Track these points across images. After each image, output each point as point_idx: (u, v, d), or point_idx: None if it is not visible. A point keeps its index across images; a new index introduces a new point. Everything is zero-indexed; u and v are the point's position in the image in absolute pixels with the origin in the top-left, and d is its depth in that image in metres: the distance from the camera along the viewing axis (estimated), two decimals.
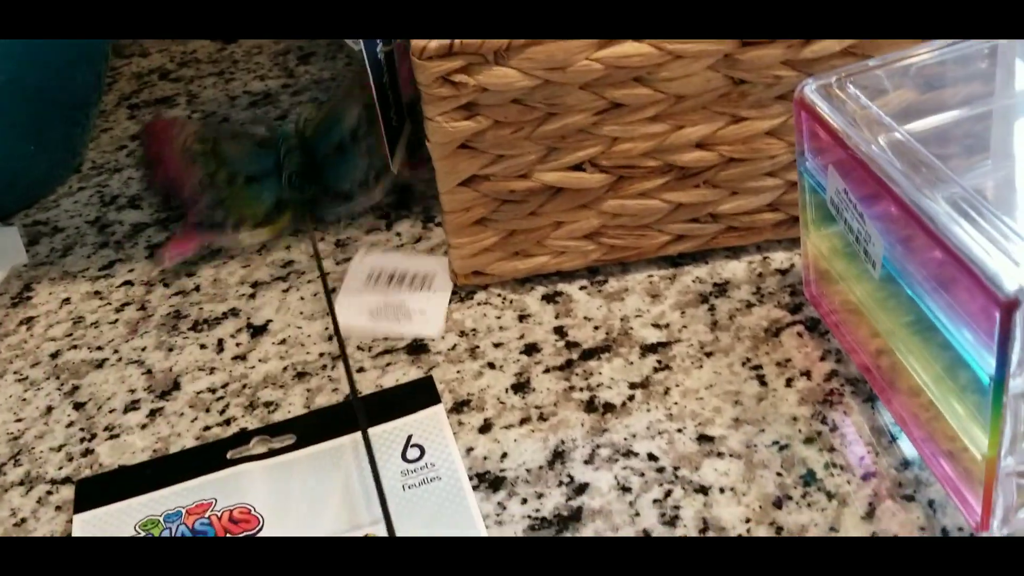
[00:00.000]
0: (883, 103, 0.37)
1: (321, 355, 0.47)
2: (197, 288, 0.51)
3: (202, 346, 0.48)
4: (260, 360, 0.47)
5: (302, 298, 0.50)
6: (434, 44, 0.38)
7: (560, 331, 0.46)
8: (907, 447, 0.39)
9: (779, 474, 0.39)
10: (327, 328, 0.48)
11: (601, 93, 0.41)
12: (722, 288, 0.47)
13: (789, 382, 0.42)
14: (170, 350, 0.48)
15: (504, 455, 0.41)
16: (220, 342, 0.48)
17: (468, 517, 0.38)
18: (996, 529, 0.32)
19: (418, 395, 0.44)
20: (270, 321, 0.49)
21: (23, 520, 0.41)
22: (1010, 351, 0.26)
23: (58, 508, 0.41)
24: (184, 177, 0.53)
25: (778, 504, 0.38)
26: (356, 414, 0.42)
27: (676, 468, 0.40)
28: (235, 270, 0.52)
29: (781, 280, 0.47)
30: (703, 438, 0.41)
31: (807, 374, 0.43)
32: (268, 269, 0.52)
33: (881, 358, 0.40)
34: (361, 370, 0.46)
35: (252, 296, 0.51)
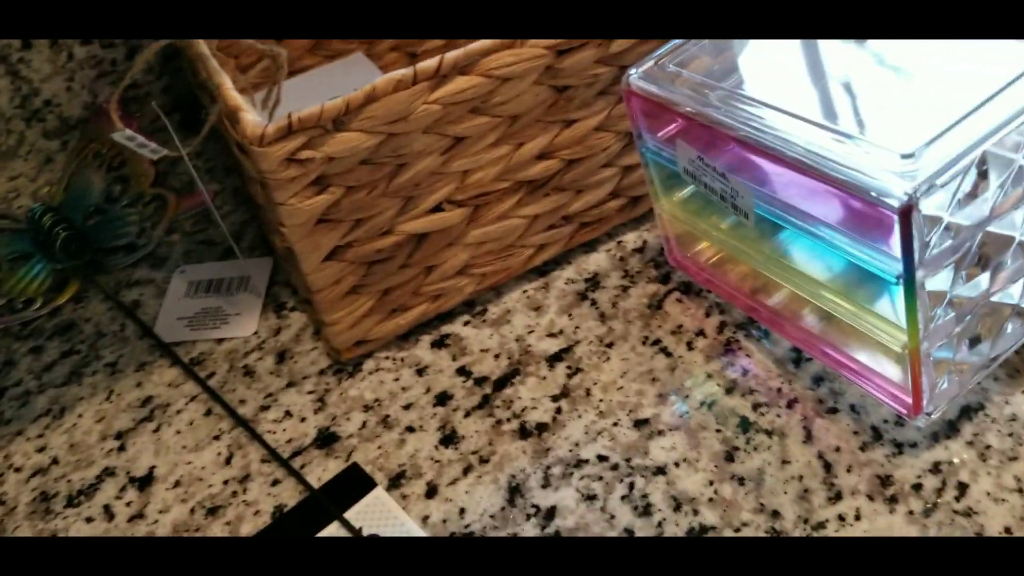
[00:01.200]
0: (693, 70, 0.40)
1: (226, 483, 0.43)
2: (55, 461, 0.45)
3: (88, 519, 0.42)
4: (161, 511, 0.42)
5: (178, 431, 0.46)
6: (271, 128, 0.37)
7: (463, 371, 0.46)
8: (812, 367, 0.43)
9: (718, 431, 0.41)
10: (219, 453, 0.44)
11: (443, 132, 0.41)
12: (594, 281, 0.49)
13: (689, 345, 0.45)
14: (55, 536, 0.42)
15: (462, 511, 0.40)
16: (107, 508, 0.43)
17: None
18: (926, 407, 0.36)
19: (350, 486, 0.42)
20: (154, 467, 0.44)
21: None
22: (913, 250, 0.30)
23: None
24: None
25: (730, 458, 0.40)
26: (316, 511, 0.39)
27: (628, 460, 0.41)
28: (90, 427, 0.47)
29: (641, 257, 0.50)
30: (639, 423, 0.42)
31: (701, 332, 0.45)
32: (128, 414, 0.47)
33: (760, 294, 0.44)
34: (276, 482, 0.43)
35: (122, 448, 0.45)
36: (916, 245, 0.30)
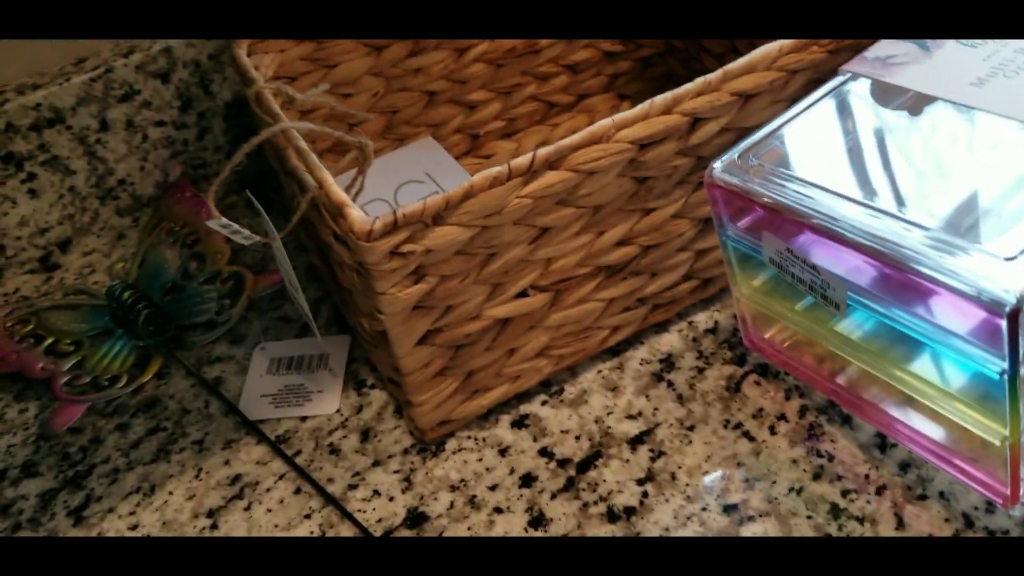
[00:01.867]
0: (773, 163, 0.42)
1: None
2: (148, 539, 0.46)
3: None
4: None
5: (269, 510, 0.47)
6: (379, 224, 0.38)
7: (545, 452, 0.47)
8: (898, 453, 0.43)
9: (808, 517, 0.42)
10: (312, 532, 0.45)
11: (532, 223, 0.43)
12: (668, 362, 0.50)
13: (772, 429, 0.46)
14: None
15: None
16: None
17: None
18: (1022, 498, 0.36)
19: None
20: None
21: None
22: (1019, 349, 0.31)
23: None
24: (24, 358, 0.55)
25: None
26: None
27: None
28: (181, 504, 0.48)
29: (715, 338, 0.51)
30: (728, 508, 0.43)
31: (783, 416, 0.46)
32: (218, 491, 0.48)
33: (840, 377, 0.44)
34: None
35: (214, 527, 0.46)
36: (1022, 343, 0.31)
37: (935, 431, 0.40)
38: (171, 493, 0.48)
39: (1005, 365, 0.32)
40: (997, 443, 0.35)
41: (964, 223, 0.34)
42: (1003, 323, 0.30)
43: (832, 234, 0.37)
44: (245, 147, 0.44)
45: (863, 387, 0.43)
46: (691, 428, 0.46)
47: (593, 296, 0.48)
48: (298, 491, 0.47)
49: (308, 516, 0.46)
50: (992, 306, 0.30)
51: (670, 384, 0.49)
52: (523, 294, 0.45)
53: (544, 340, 0.48)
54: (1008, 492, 0.36)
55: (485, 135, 0.65)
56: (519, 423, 0.49)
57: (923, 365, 0.38)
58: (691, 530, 0.42)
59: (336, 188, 0.41)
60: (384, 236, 0.39)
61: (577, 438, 0.47)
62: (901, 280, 0.34)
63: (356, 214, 0.39)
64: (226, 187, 0.68)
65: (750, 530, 0.41)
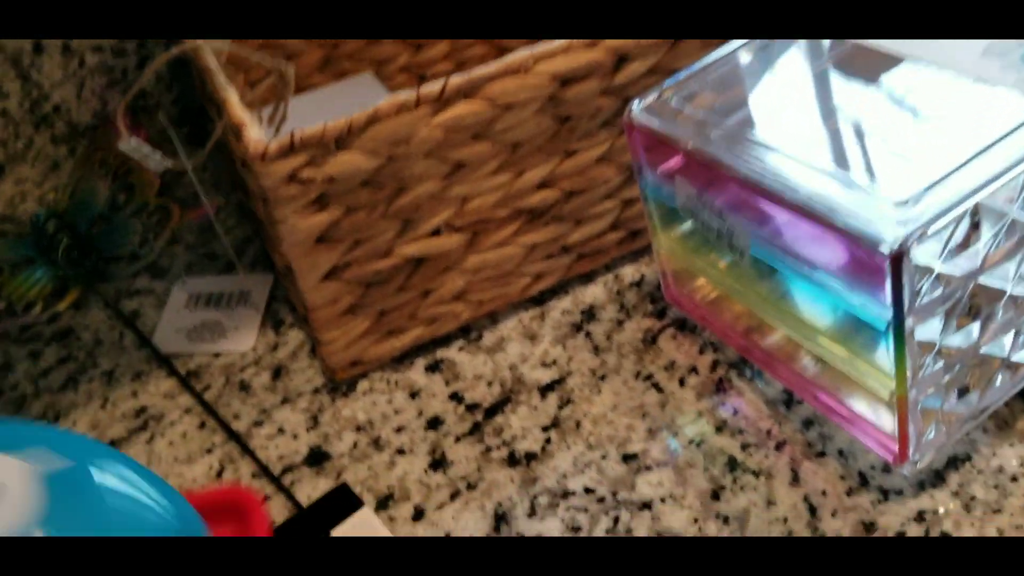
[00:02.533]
0: (697, 106, 0.41)
1: None
2: None
3: None
4: None
5: (171, 443, 0.46)
6: (274, 145, 0.37)
7: (456, 397, 0.46)
8: (803, 410, 0.43)
9: (706, 469, 0.41)
10: (211, 467, 0.45)
11: (445, 156, 0.41)
12: (590, 313, 0.49)
13: (682, 382, 0.45)
14: None
15: (447, 536, 0.40)
16: None
17: None
18: (913, 456, 0.36)
19: (338, 505, 0.42)
20: None
21: None
22: (903, 298, 0.30)
23: None
24: None
25: (716, 496, 0.40)
26: (303, 530, 0.39)
27: (615, 493, 0.41)
28: (84, 434, 0.47)
29: (638, 292, 0.50)
30: (627, 457, 0.42)
31: (694, 370, 0.45)
32: (123, 423, 0.47)
33: (754, 335, 0.44)
34: (266, 499, 0.43)
35: None
36: (906, 293, 0.30)
37: (833, 387, 0.39)
38: (75, 422, 0.47)
39: (889, 315, 0.31)
40: (885, 397, 0.34)
41: (864, 167, 0.33)
42: (886, 267, 0.29)
43: (739, 179, 0.36)
44: (153, 64, 0.42)
45: (774, 344, 0.43)
46: (603, 378, 0.46)
47: (513, 240, 0.47)
48: (202, 425, 0.47)
49: (209, 451, 0.45)
50: (875, 249, 0.30)
51: (588, 335, 0.48)
52: (437, 233, 0.44)
53: (461, 283, 0.47)
54: (896, 449, 0.35)
55: (431, 77, 0.64)
56: (433, 367, 0.48)
57: (820, 318, 0.37)
58: (588, 477, 0.41)
59: (238, 107, 0.39)
60: (280, 158, 0.38)
61: (489, 384, 0.46)
62: (801, 226, 0.33)
63: (252, 134, 0.38)
64: (175, 121, 0.66)
65: (646, 479, 0.41)
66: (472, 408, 0.45)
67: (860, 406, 0.38)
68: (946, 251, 0.31)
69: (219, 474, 0.44)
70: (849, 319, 0.35)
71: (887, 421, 0.36)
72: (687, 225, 0.45)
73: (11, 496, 0.29)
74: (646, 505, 0.40)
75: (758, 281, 0.41)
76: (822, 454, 0.41)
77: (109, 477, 0.32)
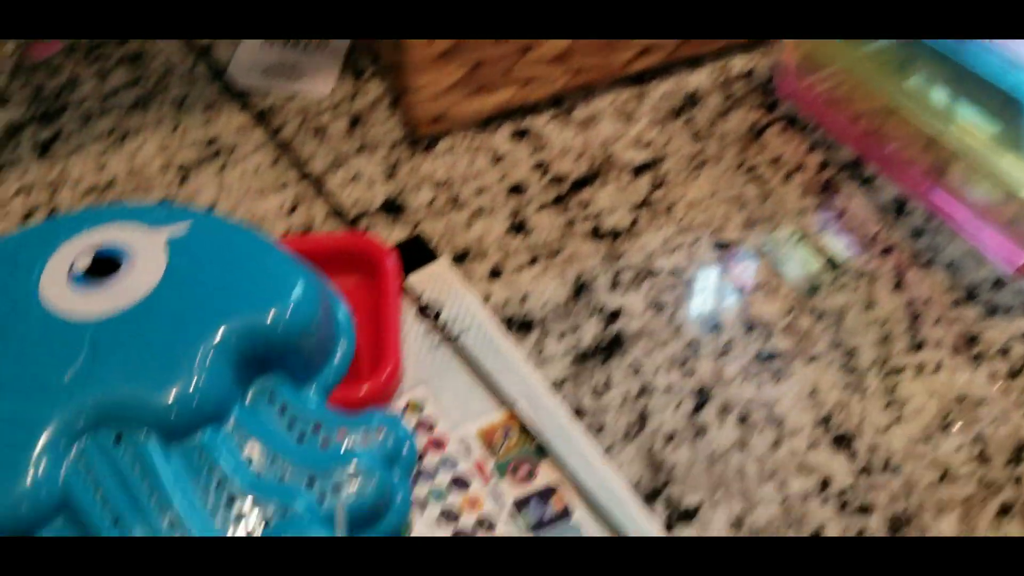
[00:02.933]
0: None
1: (288, 231, 0.42)
2: (112, 183, 0.44)
3: None
4: None
5: (243, 174, 0.44)
6: None
7: (541, 166, 0.44)
8: (914, 219, 0.40)
9: (804, 264, 0.39)
10: (283, 203, 0.43)
11: None
12: (692, 99, 0.46)
13: (787, 177, 0.42)
14: None
15: (524, 297, 0.39)
16: None
17: (508, 362, 0.36)
18: None
19: (413, 254, 0.40)
20: (215, 204, 0.43)
21: None
22: None
23: None
24: None
25: (812, 292, 0.38)
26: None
27: (704, 277, 0.39)
28: (152, 155, 0.45)
29: (747, 83, 0.47)
30: (720, 245, 0.40)
31: (800, 167, 0.43)
32: (193, 150, 0.45)
33: (875, 136, 0.40)
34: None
35: (184, 180, 0.44)
36: None
37: (960, 188, 0.36)
38: (143, 143, 0.46)
39: None
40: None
41: None
42: None
43: None
44: None
45: (903, 145, 0.40)
46: (700, 165, 0.43)
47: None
48: (275, 162, 0.45)
49: (284, 186, 0.44)
50: None
51: (689, 120, 0.45)
52: None
53: (564, 43, 0.43)
54: (1022, 261, 0.33)
55: None
56: (520, 135, 0.45)
57: (979, 116, 0.34)
58: (676, 259, 0.39)
59: None
60: None
61: (578, 158, 0.44)
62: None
63: None
64: None
65: (739, 267, 0.39)
66: (558, 180, 0.43)
67: (987, 210, 0.35)
68: None
69: (291, 211, 0.43)
70: (1000, 106, 0.31)
71: (1016, 227, 0.33)
72: None
73: (143, 260, 0.32)
74: (738, 291, 0.38)
75: (899, 69, 0.38)
76: (930, 263, 0.38)
77: (220, 240, 0.34)
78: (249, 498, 0.28)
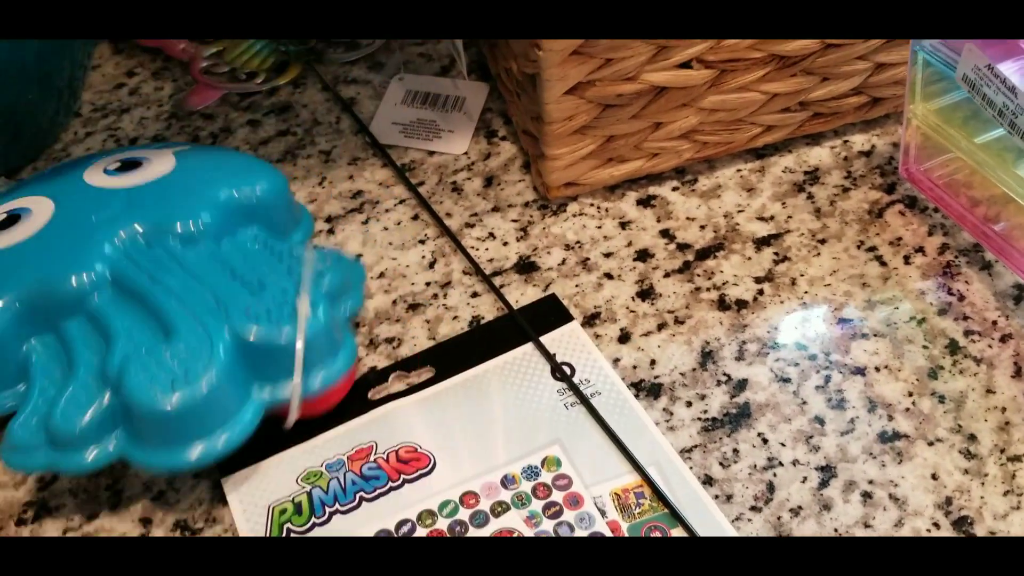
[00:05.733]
0: None
1: (428, 284, 0.45)
2: None
3: None
4: (366, 296, 0.44)
5: (385, 228, 0.47)
6: None
7: (667, 234, 0.46)
8: None
9: (924, 347, 0.41)
10: (423, 257, 0.46)
11: None
12: (813, 175, 0.48)
13: (907, 259, 0.44)
14: None
15: (653, 362, 0.41)
16: None
17: (639, 425, 0.38)
18: None
19: (547, 314, 0.43)
20: (360, 255, 0.46)
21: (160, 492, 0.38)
22: None
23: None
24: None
25: (933, 375, 0.40)
26: (512, 330, 0.41)
27: (827, 354, 0.41)
28: (302, 203, 0.49)
29: (867, 162, 0.48)
30: (843, 321, 0.42)
31: (920, 250, 0.44)
32: (339, 201, 0.49)
33: (994, 223, 0.42)
34: (475, 295, 0.44)
35: (331, 232, 0.48)
36: None
37: None
38: (295, 193, 0.49)
39: None
40: None
41: None
42: None
43: None
44: None
45: (1016, 233, 0.41)
46: (822, 241, 0.45)
47: (757, 86, 0.45)
48: (416, 217, 0.48)
49: (423, 242, 0.47)
50: None
51: (810, 196, 0.47)
52: (687, 65, 0.43)
53: (693, 121, 0.46)
54: None
55: None
56: (645, 201, 0.48)
57: None
58: (800, 333, 0.41)
59: None
60: None
61: (702, 227, 0.46)
62: None
63: None
64: None
65: (861, 346, 0.41)
66: (683, 247, 0.45)
67: None
68: None
69: (431, 265, 0.46)
70: None
71: None
72: (950, 97, 0.42)
73: (157, 161, 0.43)
74: (860, 371, 0.40)
75: (1016, 160, 0.39)
76: None
77: (213, 152, 0.49)
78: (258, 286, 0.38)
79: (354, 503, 0.37)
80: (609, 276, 0.45)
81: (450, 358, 0.41)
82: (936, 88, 0.42)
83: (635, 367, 0.41)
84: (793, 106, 0.47)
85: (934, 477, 0.37)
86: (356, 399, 0.40)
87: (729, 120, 0.46)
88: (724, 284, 0.44)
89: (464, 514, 0.36)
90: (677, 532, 0.35)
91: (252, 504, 0.37)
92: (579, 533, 0.36)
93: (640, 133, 0.46)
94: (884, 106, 0.49)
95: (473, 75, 0.55)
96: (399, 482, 0.37)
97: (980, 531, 0.35)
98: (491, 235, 0.47)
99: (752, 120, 0.47)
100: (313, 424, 0.39)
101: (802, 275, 0.44)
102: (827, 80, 0.46)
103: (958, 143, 0.42)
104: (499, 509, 0.36)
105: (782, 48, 0.44)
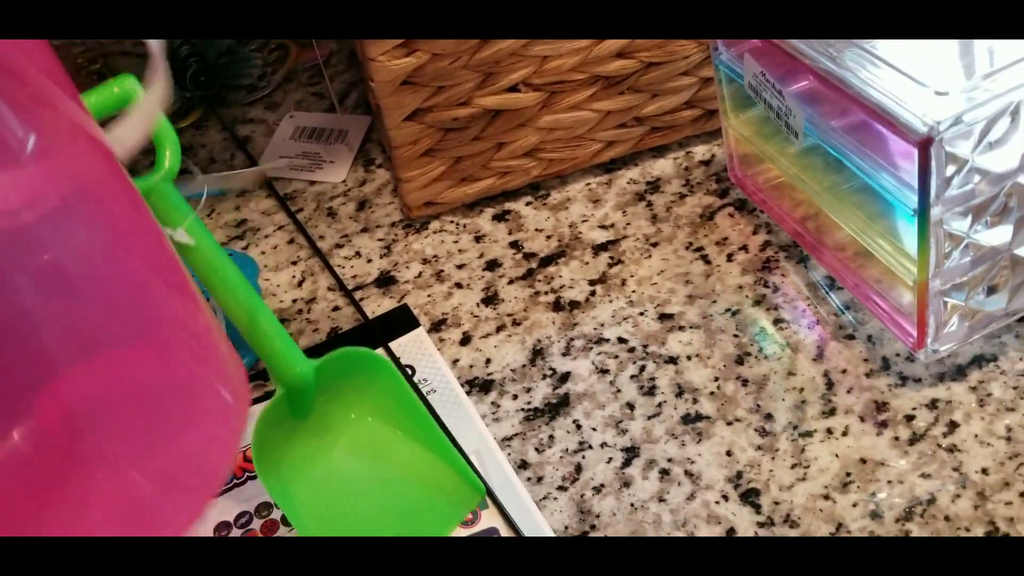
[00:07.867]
0: None
1: (295, 301, 0.49)
2: None
3: None
4: None
5: (263, 252, 0.52)
6: None
7: (516, 245, 0.50)
8: (842, 296, 0.44)
9: (736, 335, 0.44)
10: (293, 276, 0.50)
11: None
12: (655, 185, 0.52)
13: (730, 257, 0.47)
14: None
15: (488, 361, 0.45)
16: None
17: (467, 418, 0.42)
18: (930, 345, 0.37)
19: (397, 322, 0.47)
20: None
21: None
22: (930, 183, 0.31)
23: None
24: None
25: (740, 361, 0.43)
26: (365, 338, 0.45)
27: (645, 346, 0.44)
28: None
29: (706, 170, 0.52)
30: (664, 316, 0.45)
31: (744, 248, 0.47)
32: (224, 231, 0.53)
33: (808, 222, 0.45)
34: (336, 308, 0.48)
35: None
36: (933, 179, 0.31)
37: (870, 274, 0.40)
38: None
39: (916, 202, 0.32)
40: (910, 283, 0.36)
41: (937, 66, 0.33)
42: (915, 152, 0.31)
43: (799, 59, 0.37)
44: None
45: (825, 232, 0.44)
46: (654, 245, 0.48)
47: (587, 105, 0.49)
48: (291, 241, 0.52)
49: (295, 263, 0.51)
50: (906, 133, 0.31)
51: (649, 204, 0.51)
52: (515, 89, 0.47)
53: (534, 140, 0.50)
54: (915, 334, 0.37)
55: None
56: (500, 216, 0.52)
57: (862, 203, 0.38)
58: (623, 329, 0.45)
59: None
60: None
61: (548, 237, 0.50)
62: (842, 106, 0.34)
63: None
64: None
65: (677, 338, 0.44)
66: (529, 256, 0.49)
67: (891, 293, 0.39)
68: (983, 144, 0.32)
69: (300, 283, 0.50)
70: (887, 206, 0.36)
71: (911, 308, 0.37)
72: (758, 109, 0.46)
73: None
74: (672, 359, 0.43)
75: (818, 170, 0.42)
76: (851, 337, 0.43)
77: None
78: None
79: None
80: (459, 285, 0.48)
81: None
82: (747, 100, 0.46)
83: (471, 366, 0.45)
84: (629, 122, 0.51)
85: (728, 454, 0.40)
86: None
87: (569, 138, 0.50)
88: (561, 287, 0.47)
89: None
90: (489, 513, 0.39)
91: None
92: None
93: (485, 154, 0.50)
94: (718, 118, 0.52)
95: (359, 110, 0.59)
96: (243, 478, 0.41)
97: (766, 501, 0.38)
98: (357, 253, 0.51)
99: (591, 137, 0.51)
100: None
101: (632, 276, 0.47)
102: (657, 96, 0.50)
103: (765, 150, 0.45)
104: None
105: (603, 69, 0.48)
